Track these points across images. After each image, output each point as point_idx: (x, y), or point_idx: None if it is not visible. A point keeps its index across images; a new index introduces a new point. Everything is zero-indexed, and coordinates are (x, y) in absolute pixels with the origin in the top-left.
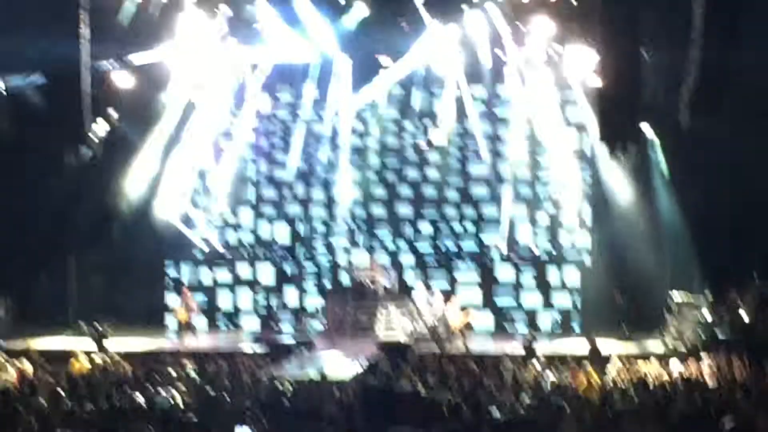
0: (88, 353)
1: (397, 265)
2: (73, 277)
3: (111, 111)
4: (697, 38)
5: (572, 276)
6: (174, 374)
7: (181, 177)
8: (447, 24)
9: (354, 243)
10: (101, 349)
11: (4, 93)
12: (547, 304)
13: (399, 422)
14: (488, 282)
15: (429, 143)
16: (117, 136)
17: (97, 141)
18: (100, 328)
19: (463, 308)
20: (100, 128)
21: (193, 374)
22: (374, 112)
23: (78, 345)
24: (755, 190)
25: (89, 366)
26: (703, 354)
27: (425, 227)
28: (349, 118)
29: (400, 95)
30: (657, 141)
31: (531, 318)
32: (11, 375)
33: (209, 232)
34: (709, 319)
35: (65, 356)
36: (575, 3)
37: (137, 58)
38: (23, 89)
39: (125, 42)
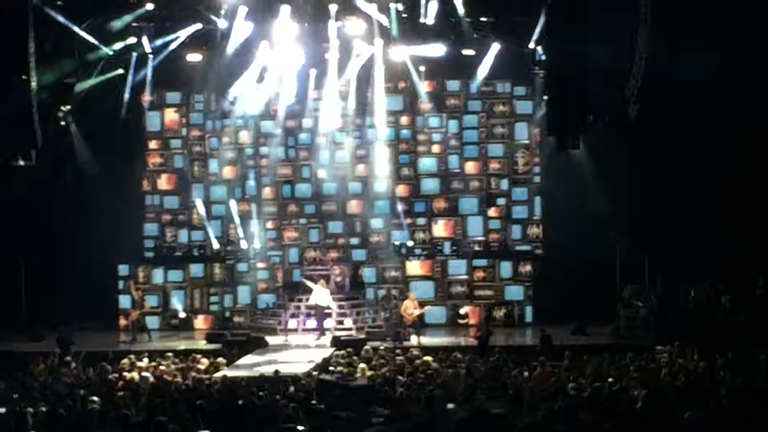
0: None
1: (350, 260)
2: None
3: (61, 116)
4: (644, 31)
5: (525, 268)
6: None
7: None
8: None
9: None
10: (65, 353)
11: None
12: (500, 296)
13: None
14: (441, 275)
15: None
16: (67, 141)
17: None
18: (65, 332)
19: (422, 303)
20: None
21: (146, 374)
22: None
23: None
24: (704, 181)
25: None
26: (655, 345)
27: (377, 222)
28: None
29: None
30: (605, 133)
31: (485, 309)
32: None
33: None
34: (660, 308)
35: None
36: None
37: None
38: None
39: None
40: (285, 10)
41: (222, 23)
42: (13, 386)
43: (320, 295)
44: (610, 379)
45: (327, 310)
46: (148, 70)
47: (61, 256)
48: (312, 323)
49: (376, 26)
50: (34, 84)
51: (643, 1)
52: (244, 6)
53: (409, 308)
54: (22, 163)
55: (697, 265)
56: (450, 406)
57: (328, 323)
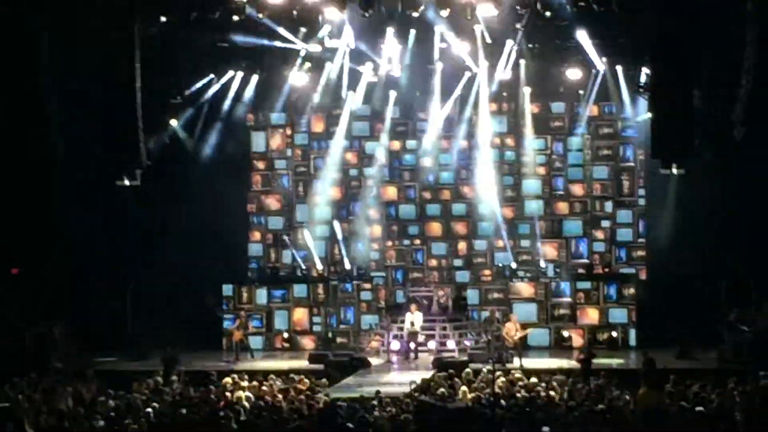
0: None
1: (454, 281)
2: (130, 302)
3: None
4: (751, 50)
5: (629, 291)
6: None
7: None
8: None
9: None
10: (169, 372)
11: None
12: (604, 319)
13: None
14: (545, 297)
15: None
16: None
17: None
18: (171, 352)
19: (523, 325)
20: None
21: (248, 394)
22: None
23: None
24: None
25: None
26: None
27: (480, 243)
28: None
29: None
30: (710, 156)
31: (589, 332)
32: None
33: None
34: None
35: (127, 379)
36: (625, 17)
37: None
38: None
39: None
40: (390, 31)
41: (326, 43)
42: (118, 405)
43: (414, 318)
44: (713, 404)
45: (416, 333)
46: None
47: (166, 276)
48: (396, 345)
49: (481, 46)
50: (139, 101)
51: (750, 21)
52: (350, 27)
53: (512, 330)
54: (127, 182)
55: None
56: (546, 429)
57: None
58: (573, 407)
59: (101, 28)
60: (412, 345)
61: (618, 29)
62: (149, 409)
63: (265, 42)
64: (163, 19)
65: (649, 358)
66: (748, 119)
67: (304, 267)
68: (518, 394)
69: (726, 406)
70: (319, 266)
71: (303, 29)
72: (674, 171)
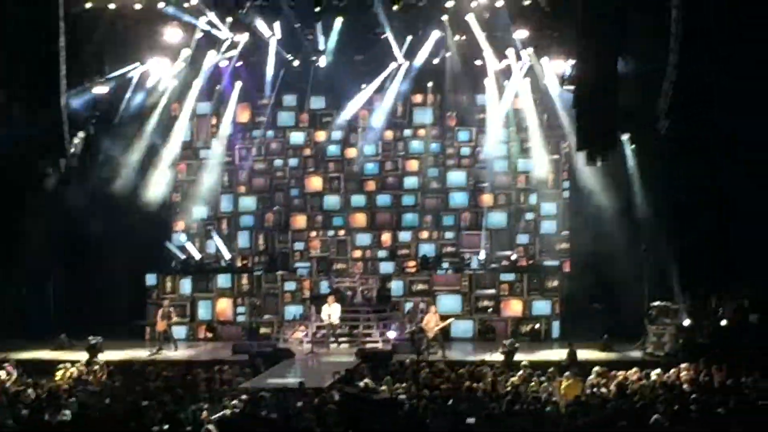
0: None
1: (377, 272)
2: (53, 291)
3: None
4: (675, 46)
5: (552, 283)
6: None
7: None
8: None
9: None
10: (92, 362)
11: None
12: (527, 311)
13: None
14: (469, 289)
15: None
16: (95, 149)
17: (75, 155)
18: (94, 341)
19: (443, 316)
20: (78, 142)
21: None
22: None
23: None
24: (733, 196)
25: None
26: (682, 362)
27: (404, 235)
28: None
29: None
30: (634, 148)
31: (512, 324)
32: None
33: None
34: (688, 325)
35: (47, 368)
36: (552, 11)
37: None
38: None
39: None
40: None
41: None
42: (39, 394)
43: (331, 311)
44: (636, 396)
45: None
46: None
47: (90, 266)
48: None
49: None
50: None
51: (674, 16)
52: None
53: (430, 322)
54: (50, 171)
55: (725, 282)
56: (471, 420)
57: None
58: (497, 398)
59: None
60: (332, 336)
61: (544, 22)
62: (72, 399)
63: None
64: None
65: (573, 349)
66: (671, 112)
67: (228, 257)
68: (442, 386)
69: (648, 398)
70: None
71: (229, 18)
72: (598, 164)
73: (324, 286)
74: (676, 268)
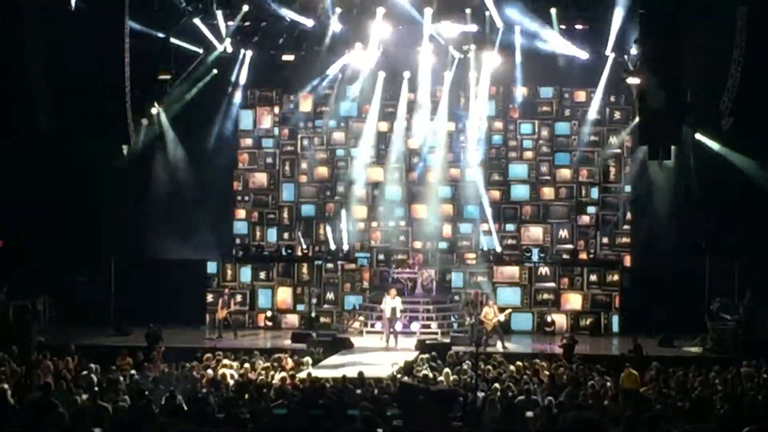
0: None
1: (437, 264)
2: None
3: (153, 111)
4: (740, 39)
5: (613, 277)
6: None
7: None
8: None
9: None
10: (152, 349)
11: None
12: (586, 305)
13: (434, 421)
14: (529, 282)
15: None
16: (158, 137)
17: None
18: (153, 329)
19: (501, 308)
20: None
21: (231, 371)
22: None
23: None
24: None
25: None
26: (742, 359)
27: (465, 227)
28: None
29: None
30: (698, 144)
31: (572, 317)
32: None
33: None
34: (748, 323)
35: (109, 354)
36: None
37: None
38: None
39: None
40: (380, 12)
41: (315, 22)
42: (100, 380)
43: (395, 303)
44: (695, 392)
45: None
46: (243, 70)
47: (150, 254)
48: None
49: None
50: (128, 82)
51: (739, 14)
52: (339, 7)
53: (489, 314)
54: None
55: None
56: (529, 414)
57: (398, 327)
58: (554, 392)
59: None
60: (393, 329)
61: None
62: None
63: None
64: None
65: (638, 343)
66: (735, 109)
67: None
68: (500, 378)
69: (707, 394)
70: (304, 245)
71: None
72: (661, 159)
73: (384, 277)
74: (738, 265)
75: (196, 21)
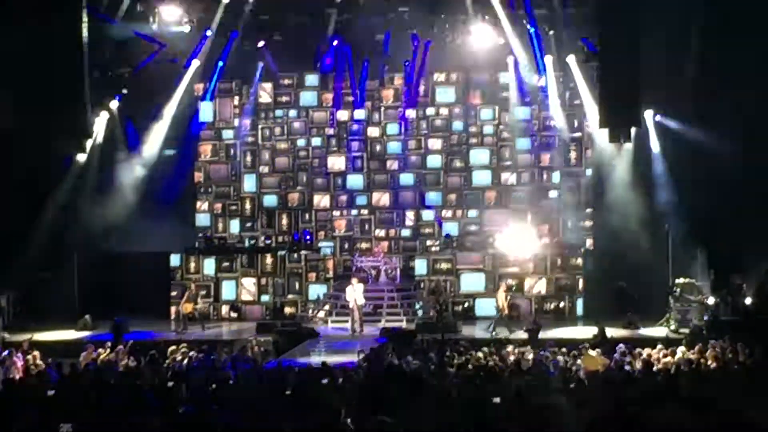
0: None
1: (401, 252)
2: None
3: (112, 105)
4: (699, 28)
5: (576, 261)
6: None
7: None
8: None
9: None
10: (118, 341)
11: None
12: (551, 289)
13: (400, 406)
14: (492, 267)
15: None
16: (118, 130)
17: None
18: (119, 321)
19: (508, 288)
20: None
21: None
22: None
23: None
24: (758, 174)
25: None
26: (707, 339)
27: (427, 214)
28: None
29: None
30: (657, 127)
31: (536, 302)
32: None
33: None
34: (712, 302)
35: (75, 349)
36: None
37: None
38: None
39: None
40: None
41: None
42: (66, 375)
43: (355, 294)
44: (661, 374)
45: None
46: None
47: (113, 247)
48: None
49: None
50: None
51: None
52: None
53: (500, 299)
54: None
55: (750, 260)
56: (497, 400)
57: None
58: (520, 376)
59: None
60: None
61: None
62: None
63: None
64: None
65: (602, 327)
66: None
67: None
68: (466, 364)
69: (674, 374)
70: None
71: None
72: (621, 142)
73: (347, 266)
74: (701, 246)
75: (157, 10)
